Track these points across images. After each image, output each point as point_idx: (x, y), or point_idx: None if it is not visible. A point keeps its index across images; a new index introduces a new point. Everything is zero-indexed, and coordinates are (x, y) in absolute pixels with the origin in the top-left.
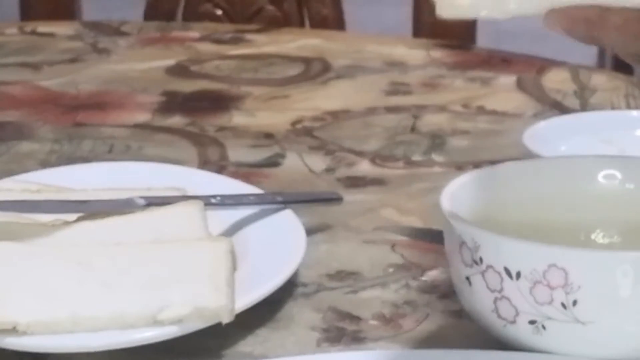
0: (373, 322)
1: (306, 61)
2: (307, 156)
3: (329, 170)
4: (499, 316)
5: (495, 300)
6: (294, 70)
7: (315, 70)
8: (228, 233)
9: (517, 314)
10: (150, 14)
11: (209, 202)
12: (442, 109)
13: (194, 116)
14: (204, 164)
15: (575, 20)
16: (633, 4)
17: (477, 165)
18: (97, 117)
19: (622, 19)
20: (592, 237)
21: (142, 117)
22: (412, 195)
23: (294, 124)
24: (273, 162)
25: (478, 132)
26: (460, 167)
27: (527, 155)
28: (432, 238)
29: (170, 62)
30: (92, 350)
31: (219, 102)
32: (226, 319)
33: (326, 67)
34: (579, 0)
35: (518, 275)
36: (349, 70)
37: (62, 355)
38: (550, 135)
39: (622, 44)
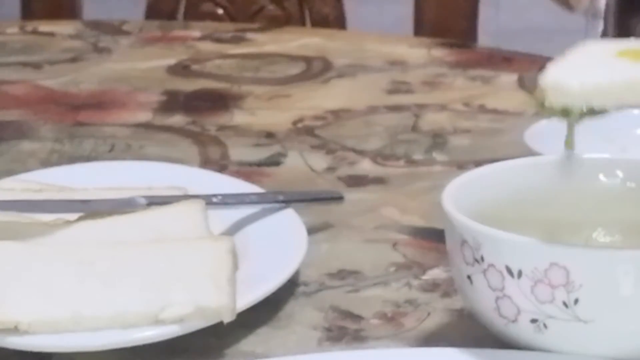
0: (374, 321)
1: (307, 60)
2: (308, 155)
3: (330, 169)
4: (501, 315)
5: (497, 298)
6: (295, 69)
7: (317, 69)
8: (229, 232)
9: (518, 312)
10: (151, 13)
11: (210, 201)
12: (443, 107)
13: (195, 115)
14: (205, 163)
15: None
16: None
17: (478, 164)
18: (98, 116)
19: None
20: (594, 235)
21: (143, 116)
22: (413, 194)
23: (295, 123)
24: (274, 161)
25: (479, 131)
26: (461, 166)
27: (528, 153)
28: (433, 237)
29: (171, 61)
30: (93, 349)
31: (220, 101)
32: (227, 318)
33: (327, 66)
34: None
35: (519, 273)
36: (350, 69)
37: (63, 354)
38: (552, 134)
39: None
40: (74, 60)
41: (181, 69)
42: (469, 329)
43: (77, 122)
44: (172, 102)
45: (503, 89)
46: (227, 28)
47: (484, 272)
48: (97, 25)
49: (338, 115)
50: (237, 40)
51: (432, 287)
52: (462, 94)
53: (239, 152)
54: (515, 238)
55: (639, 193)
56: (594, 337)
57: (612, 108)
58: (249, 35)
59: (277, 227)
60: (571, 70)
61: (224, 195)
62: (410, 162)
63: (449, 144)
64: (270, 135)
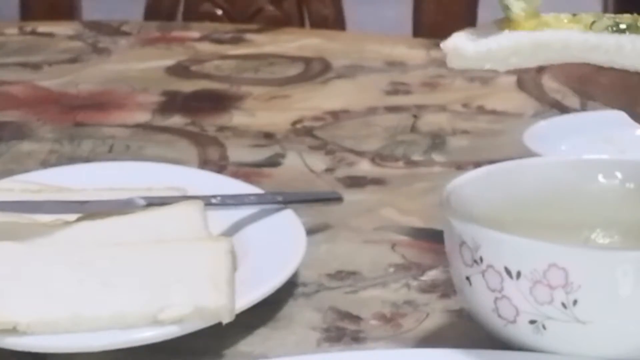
0: (373, 322)
1: (306, 61)
2: (307, 156)
3: (329, 170)
4: (499, 316)
5: (496, 299)
6: (294, 70)
7: (316, 70)
8: (228, 233)
9: (517, 313)
10: (150, 14)
11: (209, 202)
12: (442, 108)
13: (194, 116)
14: (204, 163)
15: (570, 77)
16: (619, 65)
17: (477, 164)
18: (97, 117)
19: (609, 79)
20: (593, 236)
21: (142, 117)
22: (412, 195)
23: (294, 123)
24: (273, 162)
25: (478, 132)
26: (460, 167)
27: (527, 154)
28: (432, 238)
29: (171, 61)
30: (92, 350)
31: (219, 102)
32: (226, 318)
33: (326, 67)
34: (573, 59)
35: (518, 274)
36: (349, 70)
37: (62, 355)
38: (551, 135)
39: (608, 100)
40: (73, 60)
41: (180, 70)
42: (467, 330)
43: (76, 122)
44: (171, 102)
45: (502, 90)
46: (226, 29)
47: (483, 273)
48: (96, 26)
49: (337, 116)
50: (236, 41)
51: (431, 288)
52: (461, 94)
53: (238, 152)
54: (514, 239)
55: (637, 194)
56: (592, 338)
57: (502, 69)
58: (248, 36)
59: (276, 228)
60: (469, 37)
61: (223, 196)
62: (409, 163)
63: (448, 144)
64: (269, 136)
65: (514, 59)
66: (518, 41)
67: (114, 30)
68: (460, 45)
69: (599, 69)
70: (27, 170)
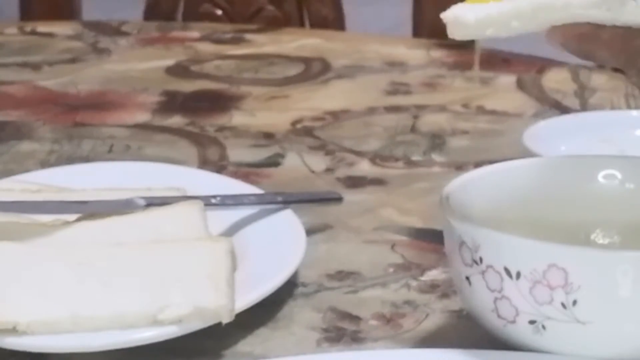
0: (373, 322)
1: (306, 61)
2: (307, 156)
3: (329, 170)
4: (499, 316)
5: (495, 300)
6: (294, 70)
7: (315, 70)
8: (228, 233)
9: (517, 313)
10: (150, 14)
11: (209, 202)
12: (442, 108)
13: (194, 116)
14: (203, 163)
15: (569, 36)
16: (622, 22)
17: (477, 165)
18: (97, 117)
19: (610, 35)
20: (592, 237)
21: (142, 117)
22: (412, 195)
23: (294, 123)
24: (273, 162)
25: (478, 132)
26: (460, 167)
27: (527, 155)
28: (432, 238)
29: (170, 62)
30: (92, 350)
31: (219, 102)
32: (226, 318)
33: (326, 67)
34: (574, 18)
35: (518, 275)
36: (349, 70)
37: (62, 355)
38: (550, 135)
39: (609, 58)
40: (73, 61)
41: (180, 70)
42: (467, 330)
43: (76, 122)
44: (171, 102)
45: (502, 90)
46: (226, 29)
47: (483, 273)
48: (96, 26)
49: (337, 116)
50: (236, 41)
51: (431, 288)
52: (461, 95)
53: (238, 152)
54: (513, 239)
55: (637, 194)
56: (592, 339)
57: (505, 36)
58: (248, 36)
59: (276, 228)
60: (468, 6)
61: (223, 196)
62: (409, 163)
63: (448, 145)
64: (269, 136)
65: (515, 22)
66: (518, 5)
67: (114, 30)
68: (461, 14)
69: (599, 26)
70: (26, 170)
